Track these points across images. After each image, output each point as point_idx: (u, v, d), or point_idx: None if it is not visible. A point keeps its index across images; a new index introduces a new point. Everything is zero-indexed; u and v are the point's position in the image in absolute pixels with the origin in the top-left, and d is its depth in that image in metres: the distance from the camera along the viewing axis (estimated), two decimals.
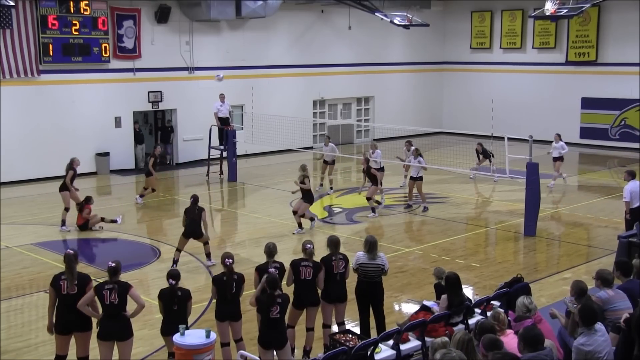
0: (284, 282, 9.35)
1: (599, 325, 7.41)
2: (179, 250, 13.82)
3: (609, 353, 7.26)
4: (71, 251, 8.68)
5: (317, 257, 9.71)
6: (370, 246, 9.81)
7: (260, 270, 9.25)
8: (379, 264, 9.83)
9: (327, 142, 21.52)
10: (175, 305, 8.70)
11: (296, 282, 9.49)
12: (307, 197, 16.34)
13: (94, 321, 8.63)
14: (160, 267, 13.89)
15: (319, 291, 9.66)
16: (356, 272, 9.91)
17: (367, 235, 10.21)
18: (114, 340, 8.44)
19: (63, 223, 16.96)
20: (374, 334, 9.74)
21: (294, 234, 16.16)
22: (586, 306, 7.61)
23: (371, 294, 9.92)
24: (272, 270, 9.08)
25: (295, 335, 9.72)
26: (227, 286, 9.02)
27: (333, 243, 9.74)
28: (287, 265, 9.53)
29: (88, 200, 17.07)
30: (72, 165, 17.47)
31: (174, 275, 8.82)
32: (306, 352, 9.72)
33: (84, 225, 16.84)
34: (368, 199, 18.07)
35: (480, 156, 22.17)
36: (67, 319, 8.50)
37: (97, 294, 8.43)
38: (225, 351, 9.21)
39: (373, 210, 18.09)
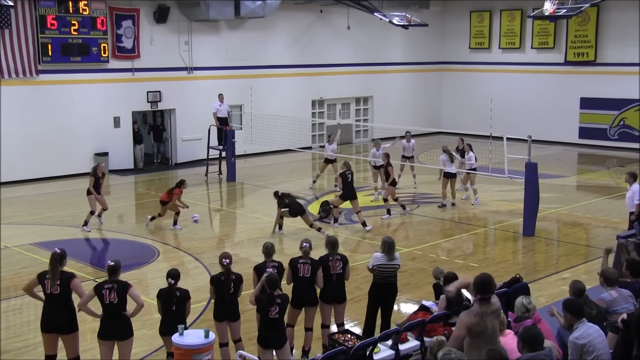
0: (283, 282, 9.35)
1: (591, 324, 7.44)
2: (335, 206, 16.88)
3: (605, 350, 7.26)
4: (58, 250, 8.66)
5: (315, 257, 9.72)
6: (389, 247, 9.82)
7: (259, 269, 9.26)
8: (395, 264, 9.92)
9: (331, 140, 21.43)
10: (173, 306, 8.69)
11: (295, 280, 9.50)
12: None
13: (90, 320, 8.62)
14: (159, 267, 13.90)
15: (318, 291, 9.67)
16: (372, 272, 9.92)
17: (384, 236, 10.22)
18: (114, 339, 8.43)
19: (85, 223, 16.87)
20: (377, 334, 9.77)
21: (382, 219, 17.23)
22: (570, 301, 7.70)
23: (387, 295, 9.97)
24: (270, 269, 9.09)
25: (294, 335, 9.73)
26: (225, 286, 9.02)
27: (331, 243, 9.74)
28: (285, 265, 9.54)
29: (180, 184, 16.90)
30: (95, 171, 17.10)
31: (173, 275, 8.81)
32: (305, 352, 9.72)
33: (165, 203, 16.69)
34: (385, 200, 18.17)
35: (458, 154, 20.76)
36: (50, 318, 8.52)
37: (96, 293, 8.41)
38: (224, 351, 9.21)
39: (388, 211, 18.10)
